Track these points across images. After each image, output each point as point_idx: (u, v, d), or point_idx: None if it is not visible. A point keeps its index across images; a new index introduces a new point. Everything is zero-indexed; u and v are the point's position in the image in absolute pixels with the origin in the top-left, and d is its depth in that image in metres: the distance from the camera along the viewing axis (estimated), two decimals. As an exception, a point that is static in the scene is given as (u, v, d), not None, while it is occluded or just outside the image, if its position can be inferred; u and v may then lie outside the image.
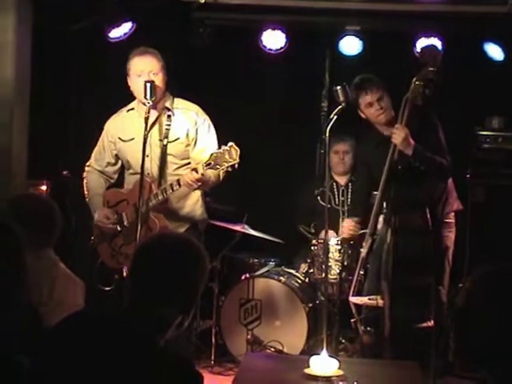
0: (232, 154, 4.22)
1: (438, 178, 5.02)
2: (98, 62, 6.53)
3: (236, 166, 4.25)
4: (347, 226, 5.42)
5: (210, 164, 4.26)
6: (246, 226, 5.88)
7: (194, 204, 4.80)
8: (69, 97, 6.59)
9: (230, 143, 4.25)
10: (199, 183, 4.39)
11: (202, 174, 4.34)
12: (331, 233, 5.76)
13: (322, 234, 5.34)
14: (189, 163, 4.66)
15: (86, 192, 4.94)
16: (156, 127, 4.70)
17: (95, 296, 3.84)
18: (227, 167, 4.26)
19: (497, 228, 6.00)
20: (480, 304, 2.10)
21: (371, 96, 4.89)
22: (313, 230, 6.01)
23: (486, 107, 6.42)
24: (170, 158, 4.69)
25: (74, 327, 2.41)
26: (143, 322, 2.37)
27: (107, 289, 4.76)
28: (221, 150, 4.26)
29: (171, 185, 4.53)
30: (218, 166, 4.25)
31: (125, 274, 4.70)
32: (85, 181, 4.96)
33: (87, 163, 4.98)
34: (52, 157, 6.31)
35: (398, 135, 4.65)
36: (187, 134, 4.69)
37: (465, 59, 6.27)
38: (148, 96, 4.49)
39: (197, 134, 4.70)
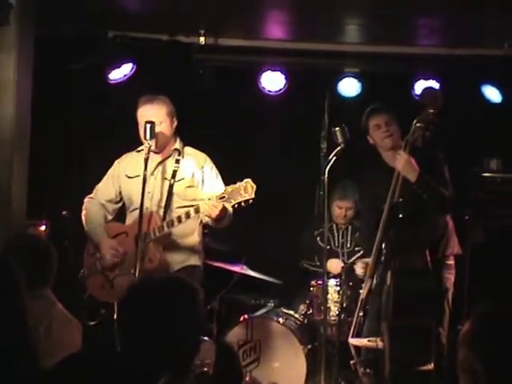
0: (248, 189, 4.25)
1: (440, 210, 4.97)
2: (98, 102, 6.56)
3: (250, 201, 4.28)
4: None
5: (223, 197, 4.28)
6: (244, 267, 5.85)
7: (193, 245, 4.83)
8: (69, 137, 6.60)
9: (247, 179, 4.28)
10: (217, 212, 4.36)
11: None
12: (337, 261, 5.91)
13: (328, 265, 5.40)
14: (189, 206, 4.64)
15: (85, 223, 4.91)
16: (163, 166, 4.74)
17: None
18: (241, 201, 4.27)
19: (496, 269, 5.99)
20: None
21: (378, 119, 4.93)
22: (318, 263, 5.96)
23: (483, 149, 6.44)
24: (173, 197, 4.72)
25: (71, 369, 2.38)
26: (140, 363, 2.34)
27: (92, 323, 4.71)
28: (236, 185, 4.29)
29: (179, 217, 4.54)
30: (232, 200, 4.27)
31: (116, 309, 4.65)
32: (84, 211, 4.93)
33: (89, 195, 4.98)
34: (52, 197, 6.31)
35: (401, 158, 4.67)
36: (193, 175, 4.73)
37: (462, 101, 6.30)
38: (148, 136, 4.51)
39: (203, 179, 4.74)
